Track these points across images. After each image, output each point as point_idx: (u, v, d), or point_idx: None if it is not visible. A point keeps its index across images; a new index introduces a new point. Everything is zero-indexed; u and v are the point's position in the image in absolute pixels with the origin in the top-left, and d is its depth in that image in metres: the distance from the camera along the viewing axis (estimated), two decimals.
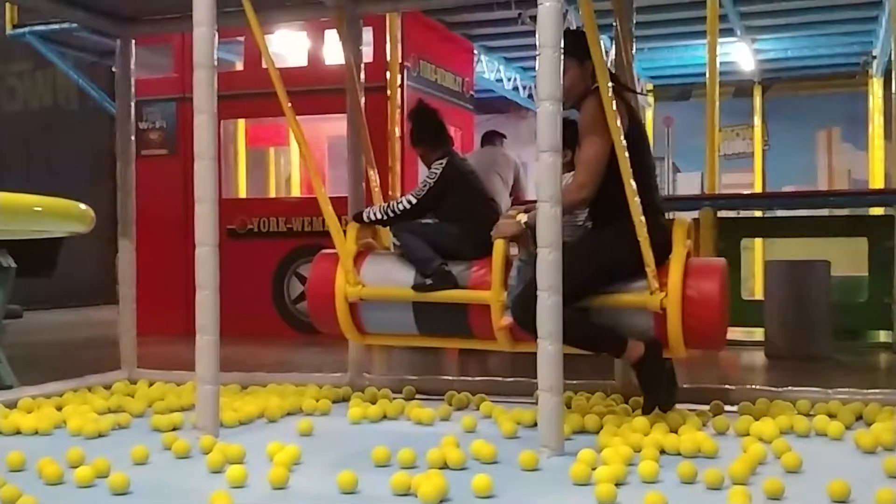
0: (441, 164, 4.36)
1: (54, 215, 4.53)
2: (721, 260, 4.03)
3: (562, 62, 3.32)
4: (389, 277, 4.26)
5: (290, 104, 4.17)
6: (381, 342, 4.60)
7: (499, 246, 3.99)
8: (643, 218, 3.62)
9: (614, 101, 3.63)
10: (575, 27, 9.10)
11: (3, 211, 4.20)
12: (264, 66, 4.25)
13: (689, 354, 3.83)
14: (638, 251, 3.65)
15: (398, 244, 4.40)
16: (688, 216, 4.45)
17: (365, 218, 4.41)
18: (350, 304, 4.27)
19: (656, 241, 3.68)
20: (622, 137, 3.63)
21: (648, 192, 3.76)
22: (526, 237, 3.87)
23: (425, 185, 4.34)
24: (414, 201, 4.33)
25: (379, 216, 4.39)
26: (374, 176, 4.77)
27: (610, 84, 3.63)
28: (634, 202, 3.61)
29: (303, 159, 4.80)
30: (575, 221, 3.94)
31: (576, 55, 3.71)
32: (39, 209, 4.38)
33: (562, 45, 3.32)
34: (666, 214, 4.04)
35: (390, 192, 4.91)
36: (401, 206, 4.34)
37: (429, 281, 4.16)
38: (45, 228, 4.60)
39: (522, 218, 3.86)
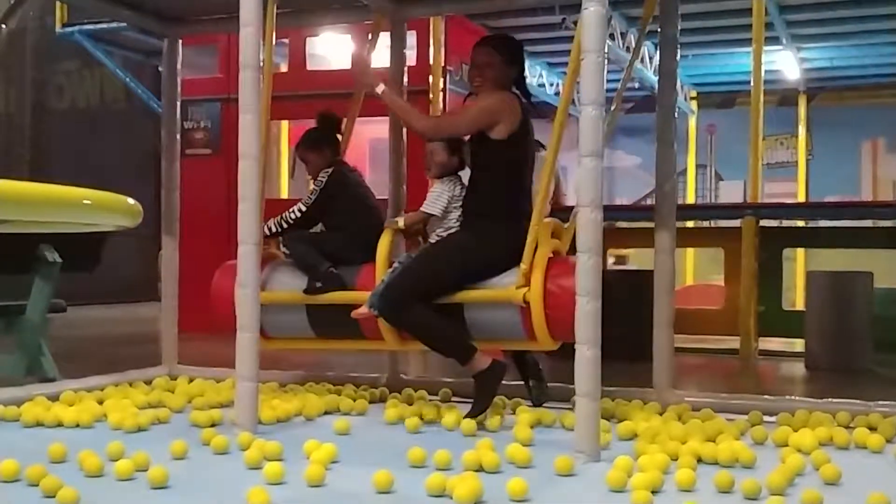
0: (327, 172, 4.49)
1: (103, 209, 4.59)
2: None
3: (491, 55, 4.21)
4: (285, 283, 4.42)
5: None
6: (283, 346, 4.71)
7: (382, 248, 4.18)
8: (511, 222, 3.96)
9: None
10: (619, 32, 9.09)
11: (54, 203, 4.27)
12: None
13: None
14: (500, 251, 3.97)
15: (288, 253, 4.54)
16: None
17: (266, 230, 4.48)
18: None
19: (519, 242, 3.91)
20: (507, 136, 4.02)
21: (517, 196, 4.09)
22: (415, 239, 4.35)
23: (312, 195, 4.49)
24: (303, 209, 4.49)
25: (274, 229, 4.52)
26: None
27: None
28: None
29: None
30: (447, 226, 4.16)
31: (510, 57, 4.28)
32: (88, 202, 4.44)
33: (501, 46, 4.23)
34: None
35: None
36: (291, 216, 4.50)
37: (318, 284, 4.30)
38: (94, 222, 4.66)
39: (400, 222, 4.24)
